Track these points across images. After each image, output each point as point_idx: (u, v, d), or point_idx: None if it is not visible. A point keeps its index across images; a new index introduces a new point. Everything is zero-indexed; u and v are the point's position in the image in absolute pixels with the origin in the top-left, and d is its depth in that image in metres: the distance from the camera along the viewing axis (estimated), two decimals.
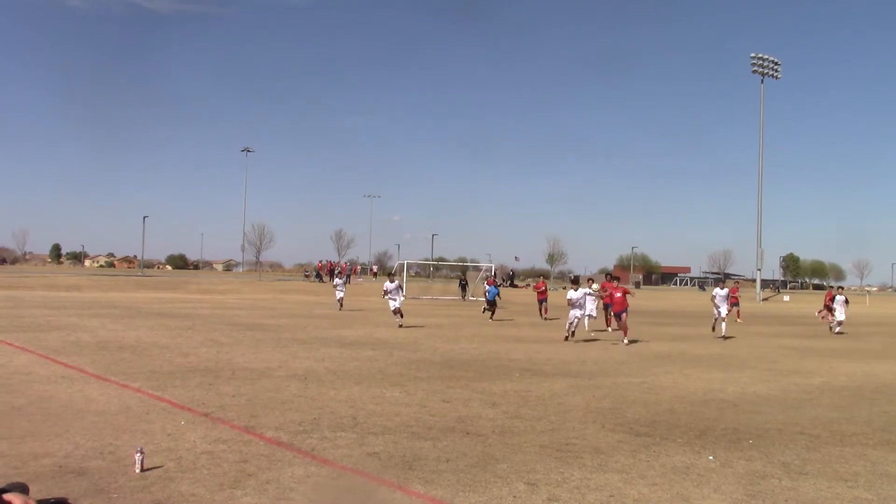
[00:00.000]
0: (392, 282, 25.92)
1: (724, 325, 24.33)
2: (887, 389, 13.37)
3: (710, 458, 7.88)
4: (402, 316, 24.96)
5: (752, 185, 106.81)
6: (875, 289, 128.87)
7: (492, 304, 30.81)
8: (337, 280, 37.22)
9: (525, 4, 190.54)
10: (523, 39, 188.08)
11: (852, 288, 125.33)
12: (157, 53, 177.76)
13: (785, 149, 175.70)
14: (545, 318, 31.10)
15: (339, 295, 34.76)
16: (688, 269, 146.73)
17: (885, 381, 14.48)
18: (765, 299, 69.04)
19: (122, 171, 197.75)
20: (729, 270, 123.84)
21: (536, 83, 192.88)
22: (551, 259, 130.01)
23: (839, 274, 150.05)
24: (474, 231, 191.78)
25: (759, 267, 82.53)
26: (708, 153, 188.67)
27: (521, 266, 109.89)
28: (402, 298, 25.54)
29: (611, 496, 6.42)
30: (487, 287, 32.72)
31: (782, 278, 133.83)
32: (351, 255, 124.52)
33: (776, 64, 77.18)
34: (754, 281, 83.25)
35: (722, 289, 25.82)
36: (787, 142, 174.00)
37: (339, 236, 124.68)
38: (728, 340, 22.94)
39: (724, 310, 24.49)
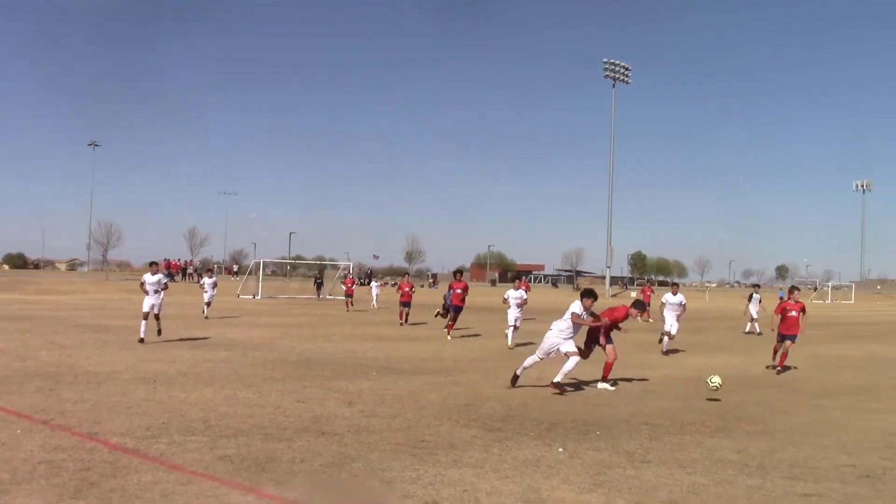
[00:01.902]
0: (154, 274, 19.61)
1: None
2: (726, 380, 14.19)
3: (560, 449, 8.15)
4: (153, 324, 18.85)
5: (605, 187, 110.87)
6: (714, 284, 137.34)
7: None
8: (206, 279, 30.67)
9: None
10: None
11: (693, 284, 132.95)
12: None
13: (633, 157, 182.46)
14: (402, 323, 26.84)
15: (208, 297, 29.28)
16: (542, 267, 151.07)
17: (724, 373, 15.36)
18: (613, 295, 72.10)
19: None
20: (580, 268, 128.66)
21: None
22: (409, 257, 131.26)
23: (682, 271, 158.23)
24: (333, 229, 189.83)
25: (608, 265, 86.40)
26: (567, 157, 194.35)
27: (379, 264, 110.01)
28: (160, 300, 19.35)
29: (464, 491, 6.52)
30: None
31: (630, 275, 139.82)
32: (205, 253, 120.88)
33: (626, 69, 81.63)
34: (603, 278, 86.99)
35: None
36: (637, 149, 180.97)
37: (192, 234, 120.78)
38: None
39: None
